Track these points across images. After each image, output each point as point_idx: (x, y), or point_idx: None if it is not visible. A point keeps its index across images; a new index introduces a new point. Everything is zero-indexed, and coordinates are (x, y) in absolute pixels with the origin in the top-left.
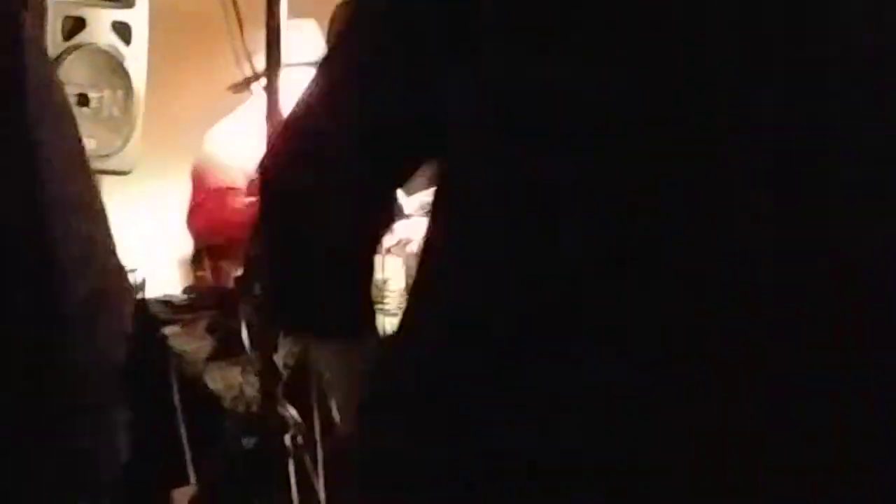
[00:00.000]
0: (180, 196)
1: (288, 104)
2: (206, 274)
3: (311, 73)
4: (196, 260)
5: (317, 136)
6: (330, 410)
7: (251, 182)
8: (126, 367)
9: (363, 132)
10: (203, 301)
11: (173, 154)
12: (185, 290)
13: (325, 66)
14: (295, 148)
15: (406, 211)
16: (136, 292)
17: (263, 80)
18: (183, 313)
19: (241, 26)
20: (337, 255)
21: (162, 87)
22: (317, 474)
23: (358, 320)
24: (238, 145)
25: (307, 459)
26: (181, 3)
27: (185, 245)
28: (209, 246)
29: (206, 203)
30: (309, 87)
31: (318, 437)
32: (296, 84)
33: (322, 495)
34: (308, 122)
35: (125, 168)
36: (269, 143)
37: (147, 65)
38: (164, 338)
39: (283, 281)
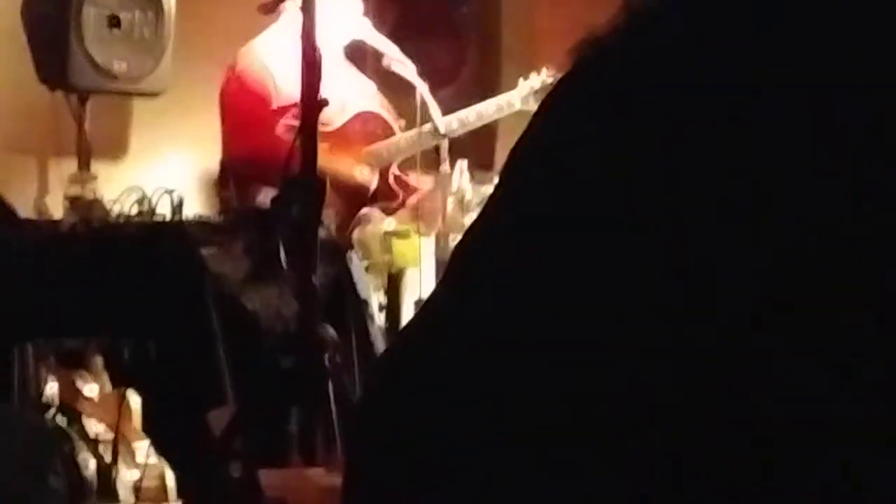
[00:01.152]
0: (211, 116)
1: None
2: (232, 193)
3: None
4: (222, 179)
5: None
6: (367, 329)
7: (285, 101)
8: (165, 289)
9: None
10: (239, 222)
11: (204, 74)
12: (221, 211)
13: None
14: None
15: None
16: (174, 213)
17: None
18: (220, 234)
19: None
20: None
21: (192, 6)
22: (355, 393)
23: None
24: (271, 63)
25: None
26: None
27: (215, 165)
28: (237, 164)
29: (236, 121)
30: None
31: (355, 355)
32: (329, 2)
33: None
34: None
35: (157, 89)
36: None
37: None
38: (202, 259)
39: None
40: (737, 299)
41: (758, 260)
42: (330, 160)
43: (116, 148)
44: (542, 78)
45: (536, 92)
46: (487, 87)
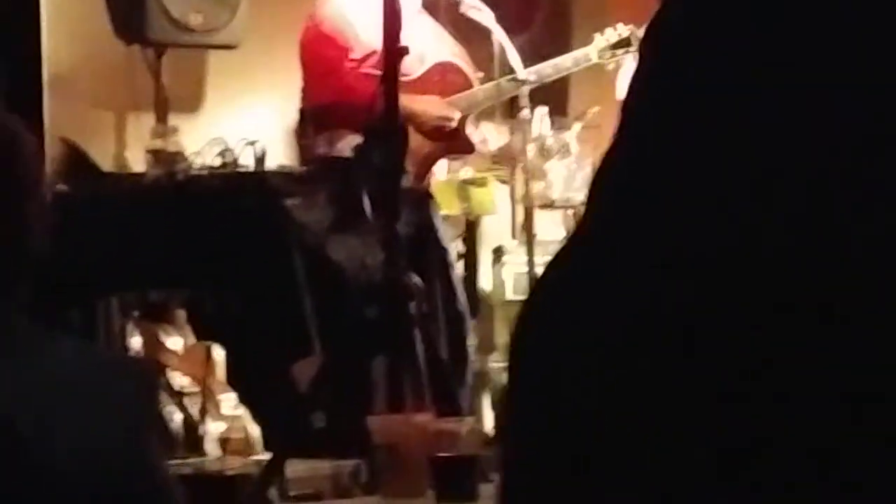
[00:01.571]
0: (288, 67)
1: None
2: (312, 142)
3: None
4: (301, 128)
5: None
6: (450, 278)
7: (365, 49)
8: (248, 240)
9: None
10: (322, 171)
11: (280, 25)
12: (303, 161)
13: None
14: None
15: None
16: (257, 164)
17: None
18: (302, 184)
19: None
20: None
21: None
22: (441, 343)
23: None
24: (350, 11)
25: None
26: None
27: (294, 115)
28: (317, 113)
29: (316, 70)
30: None
31: (440, 304)
32: None
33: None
34: None
35: (232, 42)
36: None
37: None
38: (285, 210)
39: None
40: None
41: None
42: (411, 101)
43: (194, 101)
44: (618, 32)
45: (612, 46)
46: (559, 35)
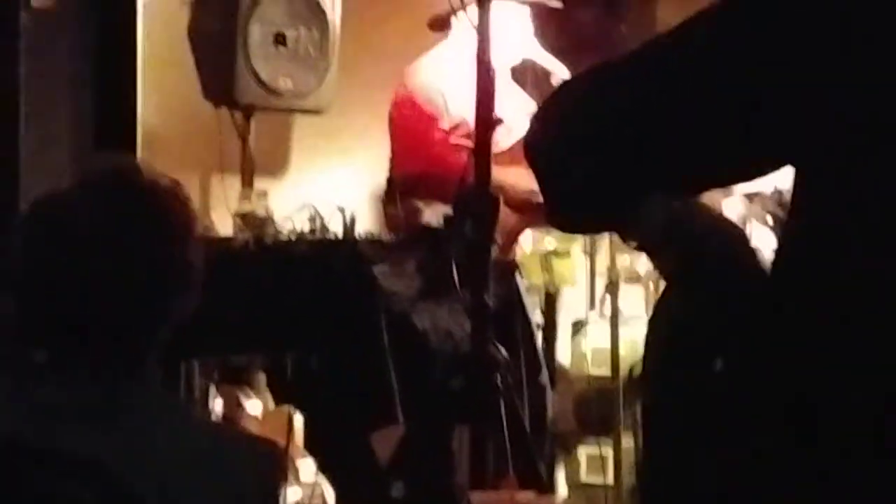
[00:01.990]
0: (375, 133)
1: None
2: (398, 211)
3: (518, 11)
4: (388, 196)
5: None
6: (535, 350)
7: (455, 120)
8: (336, 306)
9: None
10: (411, 240)
11: (368, 92)
12: (391, 229)
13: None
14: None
15: None
16: (346, 231)
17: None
18: (391, 252)
19: None
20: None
21: (357, 24)
22: (524, 414)
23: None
24: (441, 81)
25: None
26: None
27: (380, 182)
28: (405, 181)
29: (405, 139)
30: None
31: (524, 376)
32: (500, 21)
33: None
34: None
35: (321, 106)
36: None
37: (342, 3)
38: (374, 277)
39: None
40: None
41: None
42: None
43: (280, 165)
44: None
45: None
46: None
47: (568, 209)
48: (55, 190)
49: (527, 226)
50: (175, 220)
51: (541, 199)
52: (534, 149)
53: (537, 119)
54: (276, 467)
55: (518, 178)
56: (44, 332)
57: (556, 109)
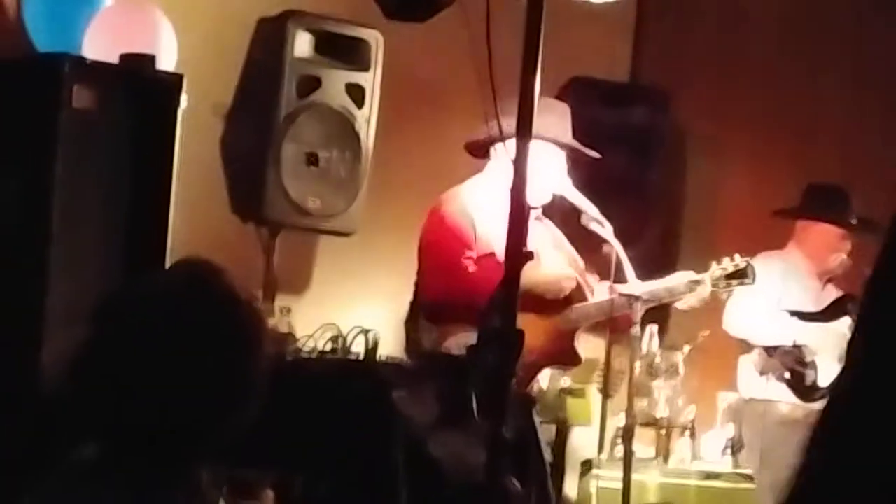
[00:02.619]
0: (401, 259)
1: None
2: (421, 335)
3: (554, 151)
4: (412, 319)
5: None
6: (547, 487)
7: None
8: (352, 429)
9: None
10: (432, 366)
11: (397, 217)
12: (409, 353)
13: None
14: None
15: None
16: (367, 353)
17: (504, 147)
18: (411, 378)
19: (493, 89)
20: None
21: (389, 150)
22: None
23: None
24: (475, 210)
25: None
26: (414, 69)
27: (403, 307)
28: (430, 306)
29: (433, 262)
30: None
31: None
32: (536, 156)
33: None
34: None
35: (348, 228)
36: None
37: (376, 127)
38: (392, 401)
39: None
40: None
41: None
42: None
43: (303, 283)
44: (734, 263)
45: (728, 276)
46: (666, 254)
47: None
48: (129, 286)
49: (548, 363)
50: (249, 333)
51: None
52: None
53: None
54: None
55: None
56: (99, 429)
57: None
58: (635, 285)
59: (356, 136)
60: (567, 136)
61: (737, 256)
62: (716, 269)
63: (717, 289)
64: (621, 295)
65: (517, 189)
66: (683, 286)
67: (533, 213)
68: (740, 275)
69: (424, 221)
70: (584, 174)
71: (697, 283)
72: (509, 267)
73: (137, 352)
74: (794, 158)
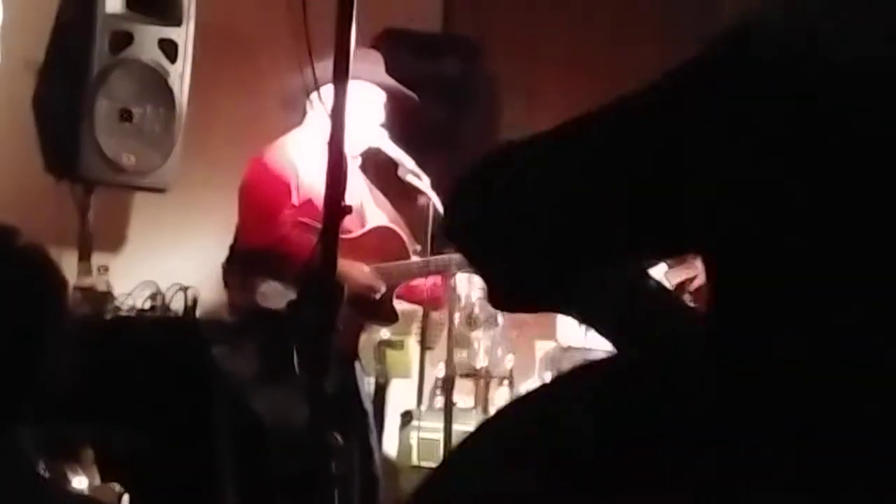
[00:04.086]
0: (218, 213)
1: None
2: (239, 285)
3: (372, 99)
4: (230, 264)
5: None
6: (369, 440)
7: (305, 197)
8: (171, 385)
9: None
10: (253, 323)
11: (212, 173)
12: (232, 304)
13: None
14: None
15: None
16: (187, 311)
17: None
18: (232, 334)
19: (308, 40)
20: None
21: (204, 105)
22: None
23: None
24: (297, 157)
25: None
26: (228, 23)
27: (220, 262)
28: (248, 257)
29: (254, 211)
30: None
31: (358, 465)
32: (353, 107)
33: None
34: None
35: (164, 184)
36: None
37: (190, 83)
38: (211, 357)
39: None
40: None
41: None
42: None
43: (119, 241)
44: None
45: None
46: None
47: (508, 290)
48: None
49: (365, 320)
50: (48, 282)
51: (377, 296)
52: (464, 230)
53: (467, 198)
54: None
55: (357, 273)
56: None
57: (483, 190)
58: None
59: (170, 91)
60: (385, 78)
61: None
62: None
63: None
64: (443, 258)
65: (335, 139)
66: None
67: (355, 162)
68: None
69: (246, 169)
70: (400, 127)
71: None
72: (328, 219)
73: None
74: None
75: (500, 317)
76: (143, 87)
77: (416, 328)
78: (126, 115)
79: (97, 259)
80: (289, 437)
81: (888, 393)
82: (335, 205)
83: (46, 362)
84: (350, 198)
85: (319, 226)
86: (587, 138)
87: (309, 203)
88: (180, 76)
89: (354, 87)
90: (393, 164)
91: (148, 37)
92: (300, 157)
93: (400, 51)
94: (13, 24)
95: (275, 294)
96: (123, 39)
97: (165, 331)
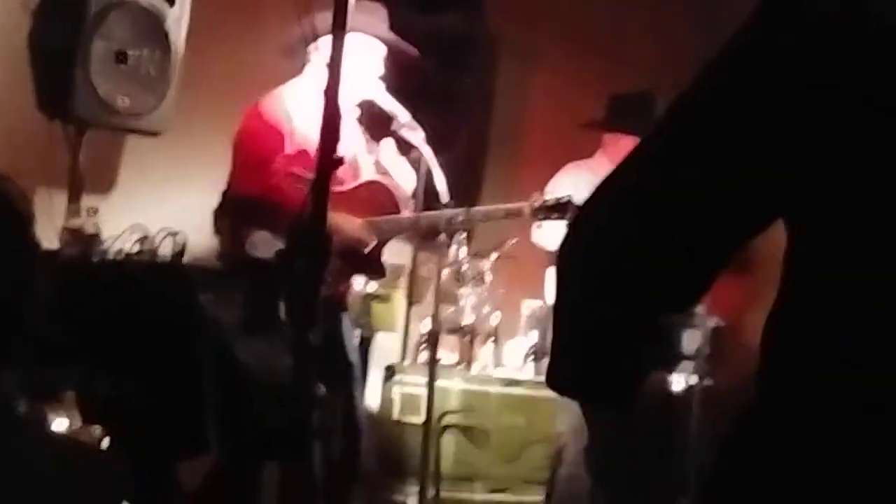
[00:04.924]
0: (212, 159)
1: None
2: (229, 232)
3: (371, 51)
4: (220, 211)
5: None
6: (353, 392)
7: (298, 147)
8: (156, 330)
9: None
10: (241, 271)
11: (207, 117)
12: (222, 258)
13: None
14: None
15: None
16: (175, 256)
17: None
18: (220, 281)
19: None
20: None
21: (202, 51)
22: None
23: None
24: (293, 107)
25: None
26: None
27: (211, 209)
28: (239, 205)
29: (248, 158)
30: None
31: (341, 417)
32: (352, 58)
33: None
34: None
35: (158, 128)
36: None
37: (188, 27)
38: (197, 304)
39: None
40: None
41: None
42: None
43: (109, 183)
44: (556, 197)
45: (548, 208)
46: (474, 160)
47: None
48: None
49: (352, 273)
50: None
51: (366, 250)
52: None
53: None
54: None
55: (347, 225)
56: None
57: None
58: (450, 206)
59: (166, 34)
60: (387, 33)
61: (561, 192)
62: (538, 199)
63: (536, 219)
64: (434, 214)
65: (331, 90)
66: (502, 212)
67: (353, 114)
68: (560, 209)
69: (242, 117)
70: (398, 80)
71: (516, 210)
72: (320, 169)
73: None
74: (604, 66)
75: (488, 274)
76: (139, 29)
77: (403, 282)
78: (122, 57)
79: (87, 201)
80: (273, 386)
81: None
82: (328, 156)
83: (24, 300)
84: (344, 150)
85: (312, 176)
86: (679, 127)
87: (303, 153)
88: (178, 20)
89: (354, 39)
90: (388, 118)
91: None
92: (297, 107)
93: (399, 4)
94: None
95: (264, 243)
96: None
97: (152, 275)
